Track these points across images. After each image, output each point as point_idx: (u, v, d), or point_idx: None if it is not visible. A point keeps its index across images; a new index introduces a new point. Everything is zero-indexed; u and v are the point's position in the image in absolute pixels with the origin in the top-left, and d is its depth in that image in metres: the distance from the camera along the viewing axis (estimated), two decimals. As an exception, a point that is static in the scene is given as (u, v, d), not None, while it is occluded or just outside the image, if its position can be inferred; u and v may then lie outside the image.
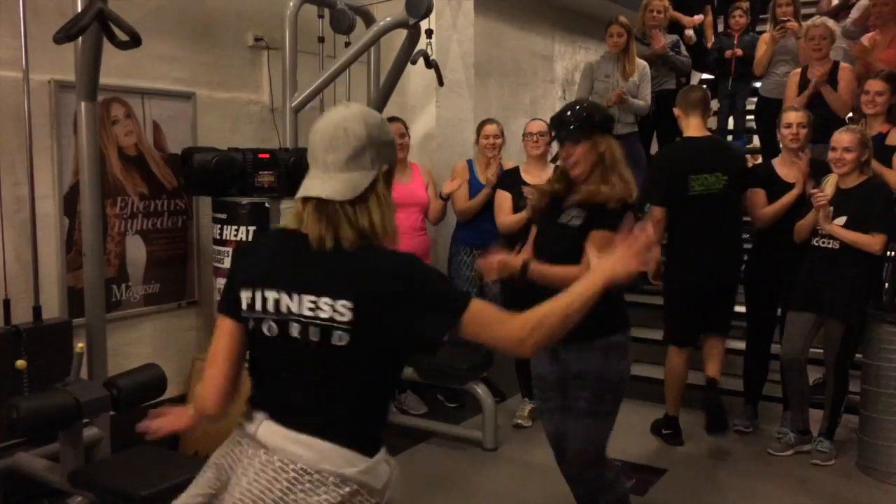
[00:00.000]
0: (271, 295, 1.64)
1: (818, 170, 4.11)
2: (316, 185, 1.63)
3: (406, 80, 5.09)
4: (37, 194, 3.45)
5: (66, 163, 3.59)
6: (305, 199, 1.65)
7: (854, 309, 3.84)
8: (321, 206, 1.62)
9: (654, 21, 5.81)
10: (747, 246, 4.55)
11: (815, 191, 3.84)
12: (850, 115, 4.79)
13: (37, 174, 3.44)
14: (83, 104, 3.27)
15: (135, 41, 2.94)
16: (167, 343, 4.06)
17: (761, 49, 5.66)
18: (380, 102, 4.90)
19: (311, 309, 1.61)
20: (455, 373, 4.27)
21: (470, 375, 4.22)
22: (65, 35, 2.89)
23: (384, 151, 1.67)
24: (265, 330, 1.66)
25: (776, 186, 4.16)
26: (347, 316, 1.58)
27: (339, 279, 1.60)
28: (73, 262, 3.60)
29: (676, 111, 4.24)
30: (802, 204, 4.05)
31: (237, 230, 3.79)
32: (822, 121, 4.52)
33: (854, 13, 5.52)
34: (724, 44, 6.32)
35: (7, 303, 3.34)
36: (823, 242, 3.89)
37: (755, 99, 6.28)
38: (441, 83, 5.04)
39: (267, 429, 1.67)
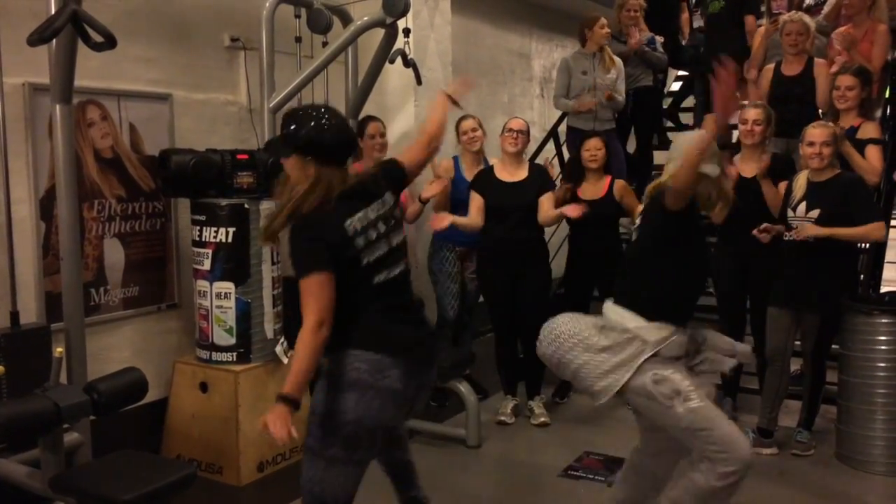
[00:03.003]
0: None
1: (779, 165, 4.16)
2: None
3: (384, 80, 5.09)
4: (12, 198, 3.42)
5: (42, 166, 3.55)
6: None
7: (829, 301, 3.89)
8: None
9: (629, 19, 5.86)
10: (712, 239, 4.63)
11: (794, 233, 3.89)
12: (821, 111, 4.83)
13: (12, 178, 3.41)
14: (58, 107, 3.24)
15: (110, 43, 2.92)
16: (147, 346, 4.03)
17: (756, 42, 5.62)
18: (358, 102, 4.90)
19: None
20: (438, 371, 4.26)
21: (452, 373, 4.23)
22: (38, 37, 2.86)
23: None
24: None
25: (735, 182, 4.20)
26: None
27: None
28: (51, 266, 3.57)
29: None
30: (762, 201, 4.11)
31: (216, 232, 3.77)
32: (796, 117, 4.57)
33: (826, 8, 5.58)
34: (699, 40, 6.37)
35: (-16, 308, 3.31)
36: (796, 236, 3.92)
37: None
38: (419, 82, 5.04)
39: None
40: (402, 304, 2.50)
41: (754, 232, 3.96)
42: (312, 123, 2.37)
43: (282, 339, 3.97)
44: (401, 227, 2.55)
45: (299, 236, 2.33)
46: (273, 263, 3.92)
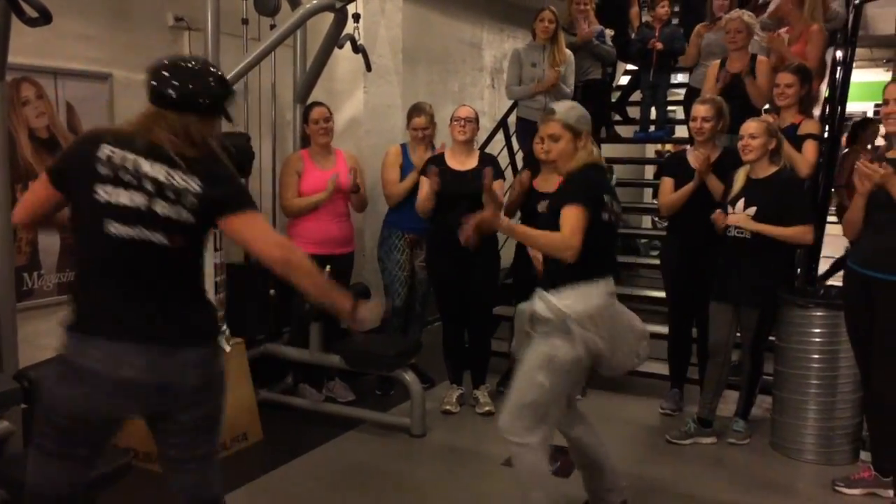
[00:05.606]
0: None
1: (729, 160, 4.24)
2: None
3: (333, 65, 5.02)
4: (-60, 178, 3.27)
5: (-27, 145, 3.41)
6: None
7: (766, 295, 3.98)
8: None
9: (579, 12, 5.90)
10: (662, 233, 4.70)
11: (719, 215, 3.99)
12: (766, 106, 4.94)
13: (-60, 156, 3.26)
14: (-10, 84, 3.12)
15: (45, 18, 2.81)
16: (84, 333, 3.92)
17: (693, 42, 5.78)
18: (306, 87, 4.84)
19: None
20: (383, 360, 4.26)
21: (398, 362, 4.22)
22: (-31, 10, 2.75)
23: None
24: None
25: (686, 175, 4.28)
26: None
27: None
28: (-19, 249, 3.43)
29: None
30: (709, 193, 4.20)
31: (157, 216, 3.67)
32: (739, 112, 4.66)
33: (771, 6, 5.72)
34: (646, 35, 6.45)
35: None
36: (738, 232, 3.99)
37: (678, 90, 6.44)
38: (369, 68, 4.99)
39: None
40: (147, 281, 2.13)
41: (713, 216, 4.00)
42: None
43: (223, 327, 3.90)
44: (182, 207, 2.10)
45: None
46: (216, 250, 3.84)
